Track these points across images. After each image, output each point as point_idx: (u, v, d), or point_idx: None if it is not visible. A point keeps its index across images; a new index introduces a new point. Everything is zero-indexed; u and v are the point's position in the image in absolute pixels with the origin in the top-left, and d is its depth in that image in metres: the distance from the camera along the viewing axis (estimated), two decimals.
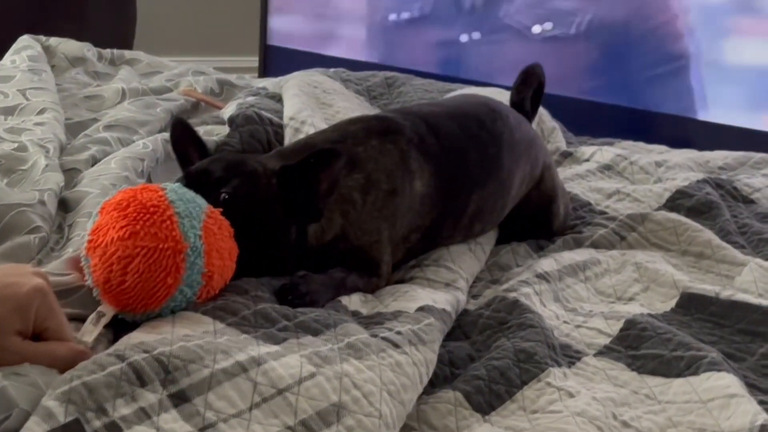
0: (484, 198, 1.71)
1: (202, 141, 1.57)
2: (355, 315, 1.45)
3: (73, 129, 2.04)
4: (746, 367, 1.50)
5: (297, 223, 1.47)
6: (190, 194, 1.31)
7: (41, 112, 2.00)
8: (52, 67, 2.40)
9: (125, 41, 3.69)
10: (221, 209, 1.35)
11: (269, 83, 2.34)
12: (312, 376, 1.19)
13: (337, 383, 1.19)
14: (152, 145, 1.78)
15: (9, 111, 1.99)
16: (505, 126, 1.76)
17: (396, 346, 1.30)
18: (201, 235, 1.27)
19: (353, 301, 1.49)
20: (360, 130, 1.61)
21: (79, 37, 3.11)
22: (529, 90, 1.92)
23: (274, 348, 1.22)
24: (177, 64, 2.56)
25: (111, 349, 1.15)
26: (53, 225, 1.51)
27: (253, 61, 3.64)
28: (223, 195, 1.40)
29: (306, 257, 1.50)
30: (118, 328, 1.26)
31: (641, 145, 2.42)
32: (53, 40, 2.49)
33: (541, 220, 1.86)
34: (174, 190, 1.30)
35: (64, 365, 1.12)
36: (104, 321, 1.23)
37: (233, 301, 1.32)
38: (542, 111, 2.32)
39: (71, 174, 1.75)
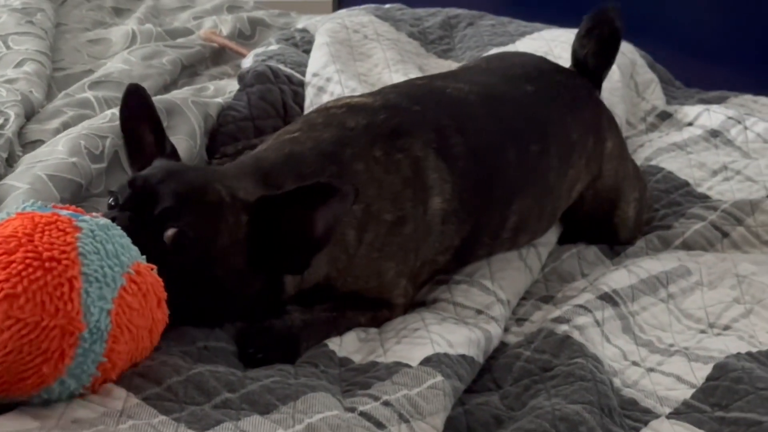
0: (526, 206, 1.36)
1: (160, 124, 1.25)
2: (344, 364, 1.14)
3: (62, 83, 1.77)
4: None
5: (269, 273, 1.15)
6: (116, 243, 0.98)
7: (20, 64, 1.74)
8: (63, 2, 2.13)
9: None
10: (161, 253, 1.05)
11: (311, 24, 2.00)
12: None
13: None
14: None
15: None
16: (554, 110, 1.41)
17: (379, 425, 1.00)
18: (111, 311, 0.94)
19: (346, 344, 1.18)
20: (362, 129, 1.26)
21: None
22: (597, 41, 1.51)
23: None
24: None
25: None
26: None
27: None
28: (168, 234, 1.07)
29: (282, 302, 1.19)
30: None
31: (763, 100, 2.02)
32: None
33: (604, 227, 1.51)
34: (93, 233, 0.96)
35: None
36: None
37: (162, 363, 1.01)
38: (637, 59, 1.94)
39: (34, 147, 1.47)
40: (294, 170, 1.18)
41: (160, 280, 1.01)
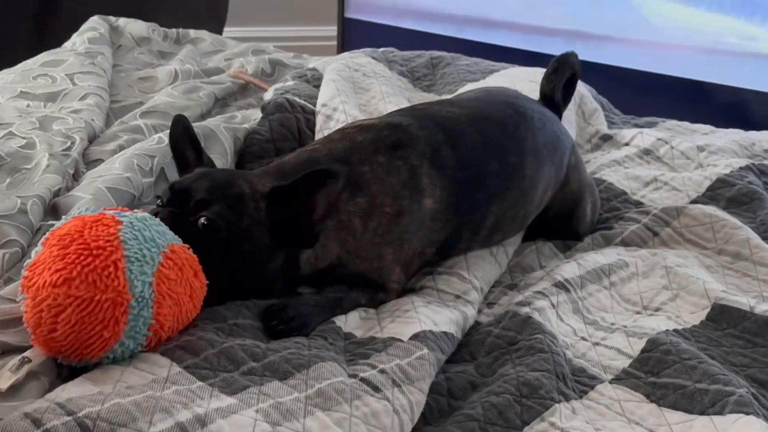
0: (503, 209, 1.34)
1: (199, 144, 1.25)
2: (348, 338, 1.13)
3: (118, 113, 1.74)
4: None
5: (287, 249, 1.14)
6: (152, 230, 0.98)
7: (84, 97, 1.70)
8: (119, 47, 2.09)
9: (219, 13, 3.35)
10: (198, 237, 1.05)
11: (320, 64, 1.98)
12: None
13: None
14: (168, 138, 1.44)
15: (52, 97, 1.69)
16: (529, 130, 1.38)
17: (376, 389, 0.98)
18: (152, 283, 0.95)
19: (350, 321, 1.16)
20: (369, 142, 1.25)
21: (177, 10, 2.80)
22: (561, 79, 1.52)
23: (227, 401, 0.90)
24: (238, 43, 2.22)
25: (31, 407, 0.85)
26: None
27: (333, 30, 3.26)
28: (201, 221, 1.07)
29: (299, 282, 1.17)
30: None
31: (686, 125, 1.99)
32: (122, 21, 2.18)
33: (567, 223, 1.48)
34: (132, 225, 0.97)
35: None
36: (26, 369, 0.92)
37: (200, 338, 1.00)
38: (584, 91, 1.91)
39: (95, 165, 1.46)
40: (307, 169, 1.17)
41: (194, 256, 1.01)
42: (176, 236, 1.01)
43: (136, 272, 0.93)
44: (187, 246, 1.01)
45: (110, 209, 1.02)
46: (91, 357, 0.93)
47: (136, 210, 1.03)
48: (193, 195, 1.09)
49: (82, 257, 0.92)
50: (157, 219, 1.02)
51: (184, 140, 1.24)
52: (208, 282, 1.04)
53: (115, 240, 0.94)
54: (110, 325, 0.92)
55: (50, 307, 0.91)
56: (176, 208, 1.09)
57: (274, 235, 1.12)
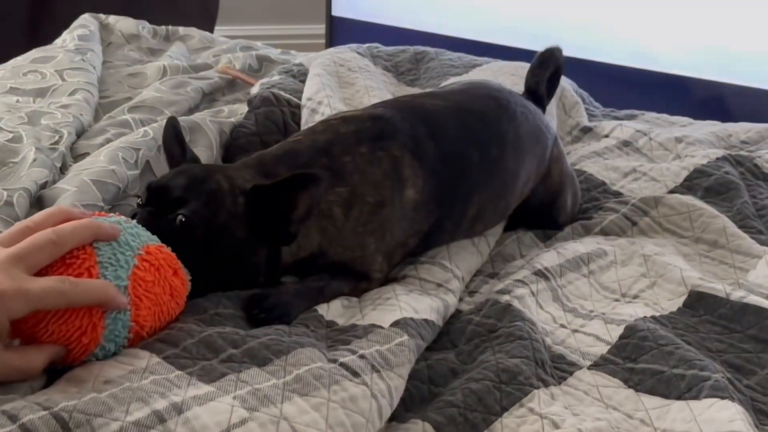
0: (484, 200, 1.31)
1: (185, 144, 1.22)
2: (330, 326, 1.10)
3: (106, 108, 1.71)
4: (755, 383, 1.12)
5: (266, 243, 1.11)
6: (127, 232, 0.95)
7: (73, 93, 1.67)
8: (109, 44, 2.06)
9: (210, 13, 3.32)
10: (176, 235, 1.02)
11: (306, 59, 1.95)
12: (243, 422, 0.85)
13: (274, 429, 0.84)
14: (153, 132, 1.41)
15: (41, 93, 1.66)
16: (511, 124, 1.35)
17: (355, 374, 0.95)
18: (127, 286, 0.91)
19: (332, 309, 1.14)
20: (351, 133, 1.22)
21: (169, 10, 2.77)
22: (546, 73, 1.50)
23: (205, 389, 0.88)
24: (226, 40, 2.19)
25: (9, 405, 0.82)
26: None
27: (321, 28, 3.23)
28: (178, 219, 1.04)
29: (282, 272, 1.14)
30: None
31: (665, 117, 1.97)
32: (112, 18, 2.14)
33: (547, 214, 1.46)
34: None
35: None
36: None
37: (179, 329, 0.97)
38: (565, 84, 1.89)
39: (83, 159, 1.42)
40: (291, 162, 1.14)
41: (172, 255, 0.98)
42: (153, 237, 0.98)
43: (110, 277, 0.90)
44: (163, 246, 0.98)
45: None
46: (72, 362, 0.90)
47: (111, 214, 1.00)
48: (170, 193, 1.06)
49: (55, 266, 0.88)
50: (133, 221, 0.99)
51: (174, 141, 1.21)
52: (191, 278, 1.01)
53: (88, 246, 0.90)
54: (88, 331, 0.88)
55: (27, 318, 0.87)
56: (154, 208, 1.06)
57: (253, 231, 1.09)
